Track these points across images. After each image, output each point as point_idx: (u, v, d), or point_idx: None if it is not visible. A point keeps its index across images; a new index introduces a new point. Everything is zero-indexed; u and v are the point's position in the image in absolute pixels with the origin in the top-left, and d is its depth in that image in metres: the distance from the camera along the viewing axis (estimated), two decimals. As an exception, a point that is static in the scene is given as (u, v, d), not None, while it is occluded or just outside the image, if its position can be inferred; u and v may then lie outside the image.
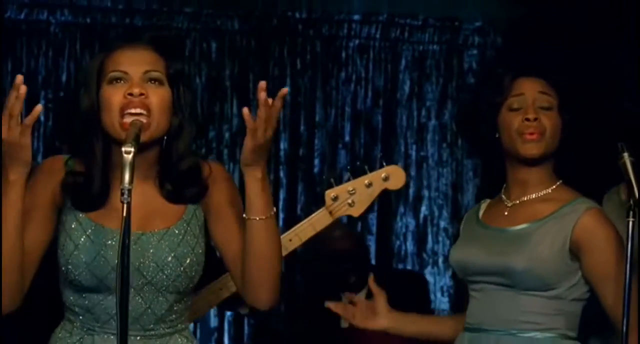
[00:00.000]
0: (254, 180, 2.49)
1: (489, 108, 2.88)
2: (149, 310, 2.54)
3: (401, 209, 5.77)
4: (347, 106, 5.78)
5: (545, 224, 2.79)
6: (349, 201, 3.20)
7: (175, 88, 2.55)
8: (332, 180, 3.23)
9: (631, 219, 2.55)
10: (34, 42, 5.58)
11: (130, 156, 2.25)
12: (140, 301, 2.53)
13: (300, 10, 5.72)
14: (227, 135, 5.67)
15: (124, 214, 2.20)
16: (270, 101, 2.42)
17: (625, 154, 2.63)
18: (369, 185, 3.22)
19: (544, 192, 2.87)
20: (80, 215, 2.54)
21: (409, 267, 5.74)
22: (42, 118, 5.42)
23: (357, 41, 5.79)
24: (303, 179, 5.74)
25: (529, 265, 2.74)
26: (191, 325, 2.80)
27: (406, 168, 5.64)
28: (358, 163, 3.96)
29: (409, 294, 4.33)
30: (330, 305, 3.08)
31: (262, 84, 2.41)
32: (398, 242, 5.77)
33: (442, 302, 5.71)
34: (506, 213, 2.88)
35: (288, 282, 5.03)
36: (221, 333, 5.67)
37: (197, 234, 2.58)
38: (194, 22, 5.67)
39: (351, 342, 3.86)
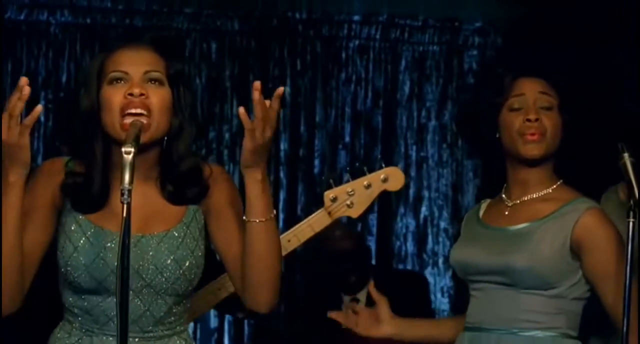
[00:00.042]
0: (254, 182, 2.48)
1: (489, 108, 2.87)
2: (148, 312, 2.54)
3: (401, 210, 5.77)
4: (347, 107, 5.78)
5: (546, 223, 2.79)
6: (348, 202, 3.20)
7: (175, 88, 2.55)
8: (331, 181, 3.23)
9: (631, 220, 2.55)
10: (34, 42, 5.58)
11: (130, 156, 2.24)
12: (139, 303, 2.52)
13: (300, 11, 5.72)
14: (227, 136, 5.67)
15: (124, 214, 2.19)
16: (267, 103, 2.41)
17: (626, 155, 2.63)
18: (368, 186, 3.21)
19: (545, 192, 2.86)
20: (80, 217, 2.53)
21: (409, 267, 5.73)
22: (42, 119, 5.42)
23: (357, 42, 5.79)
24: (303, 179, 5.73)
25: (530, 264, 2.74)
26: (191, 326, 2.79)
27: (406, 169, 5.64)
28: (357, 164, 3.96)
29: (409, 295, 4.33)
30: (332, 314, 3.08)
31: (257, 84, 2.39)
32: (398, 243, 5.76)
33: (442, 303, 5.71)
34: (507, 213, 2.88)
35: (288, 282, 5.03)
36: (221, 334, 5.67)
37: (196, 237, 2.57)
38: (194, 23, 5.67)
39: (351, 342, 3.86)
